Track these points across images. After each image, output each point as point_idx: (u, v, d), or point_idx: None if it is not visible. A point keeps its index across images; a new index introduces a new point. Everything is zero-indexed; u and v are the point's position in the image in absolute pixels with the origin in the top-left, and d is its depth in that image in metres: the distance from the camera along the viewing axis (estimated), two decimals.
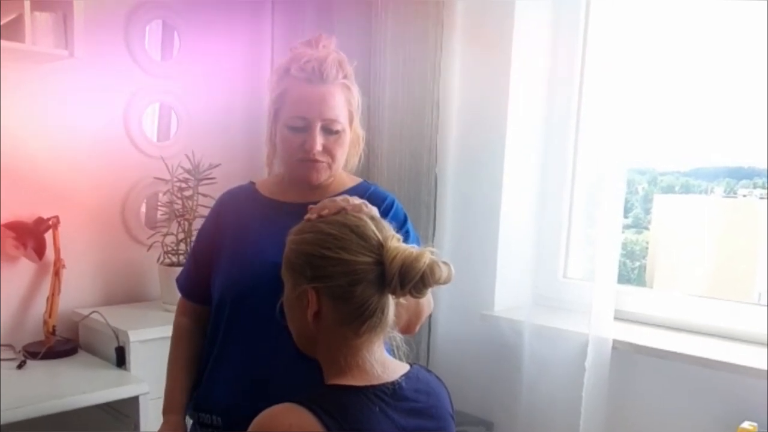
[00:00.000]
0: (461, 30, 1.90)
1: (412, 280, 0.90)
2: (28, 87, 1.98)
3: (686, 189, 1.89)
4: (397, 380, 0.96)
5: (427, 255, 0.92)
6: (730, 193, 1.81)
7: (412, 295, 0.93)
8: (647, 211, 1.96)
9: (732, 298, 1.69)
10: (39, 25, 1.80)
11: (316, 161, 1.19)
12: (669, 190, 1.92)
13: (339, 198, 1.02)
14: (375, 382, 0.94)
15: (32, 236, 1.94)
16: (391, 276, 0.91)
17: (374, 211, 1.02)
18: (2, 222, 1.94)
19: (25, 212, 1.98)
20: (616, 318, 1.67)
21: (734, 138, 1.67)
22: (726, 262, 1.86)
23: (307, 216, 1.00)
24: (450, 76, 1.91)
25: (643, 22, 1.63)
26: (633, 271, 2.00)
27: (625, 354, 1.61)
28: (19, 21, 1.76)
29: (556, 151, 1.86)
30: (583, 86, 1.84)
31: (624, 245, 1.92)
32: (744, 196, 1.79)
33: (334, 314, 0.93)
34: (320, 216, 0.98)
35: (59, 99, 2.04)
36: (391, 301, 0.95)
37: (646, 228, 1.99)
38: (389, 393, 0.94)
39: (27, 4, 1.75)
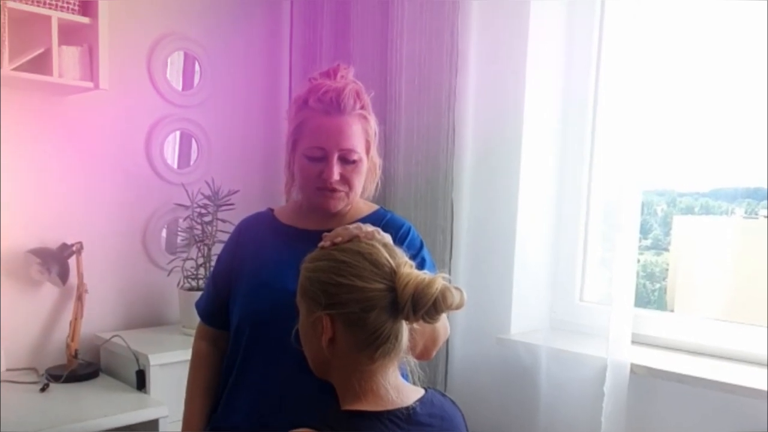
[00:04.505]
0: (476, 55, 1.92)
1: (425, 305, 0.91)
2: (55, 117, 2.04)
3: (706, 210, 1.87)
4: (411, 405, 0.96)
5: (439, 281, 0.92)
6: (751, 213, 1.79)
7: (425, 320, 0.94)
8: (667, 233, 1.95)
9: (753, 321, 1.67)
10: (66, 58, 1.87)
11: (334, 190, 1.21)
12: (688, 211, 1.91)
13: (352, 225, 1.03)
14: (389, 407, 0.95)
15: (56, 262, 1.98)
16: (403, 302, 0.92)
17: (387, 238, 1.04)
18: (28, 248, 1.98)
19: (50, 238, 2.03)
20: (635, 342, 1.65)
21: (755, 158, 1.65)
22: (747, 284, 1.84)
23: (321, 244, 1.02)
24: (465, 102, 1.93)
25: (659, 41, 1.63)
26: (653, 293, 1.98)
27: (643, 378, 1.59)
28: (46, 55, 1.83)
29: (571, 173, 1.86)
30: (597, 108, 1.84)
31: (643, 267, 1.91)
32: (765, 216, 1.77)
33: (348, 340, 0.95)
34: (334, 243, 1.00)
35: (84, 128, 2.10)
36: (404, 326, 0.96)
37: (666, 249, 1.97)
38: (403, 418, 0.94)
39: (55, 39, 1.82)
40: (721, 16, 1.68)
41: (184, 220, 2.26)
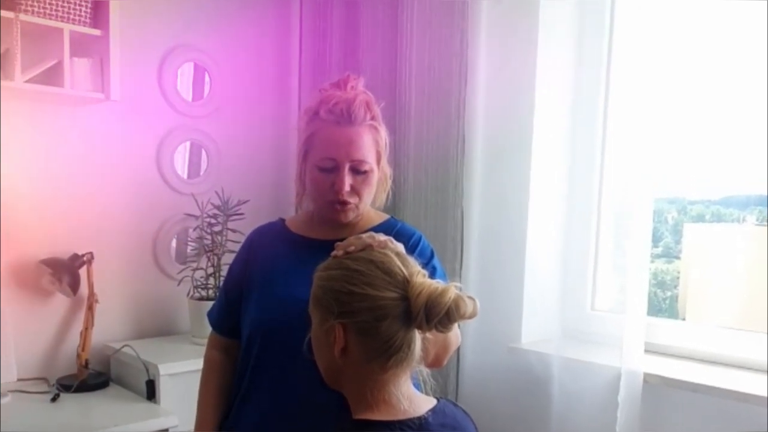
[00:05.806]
0: (485, 63, 1.93)
1: (438, 315, 0.91)
2: (67, 128, 2.06)
3: (717, 217, 1.86)
4: (423, 415, 0.96)
5: (452, 290, 0.92)
6: (763, 221, 1.78)
7: (437, 329, 0.94)
8: (678, 241, 1.94)
9: (766, 329, 1.65)
10: (77, 70, 1.89)
11: (345, 202, 1.21)
12: (699, 218, 1.90)
13: (365, 235, 1.03)
14: (401, 417, 0.94)
15: (67, 272, 1.99)
16: (416, 311, 0.92)
17: (400, 247, 1.04)
18: (39, 258, 1.99)
19: (61, 249, 2.04)
20: (648, 351, 1.64)
21: (766, 165, 1.65)
22: (760, 291, 1.82)
23: (334, 253, 1.02)
24: (475, 110, 1.93)
25: (669, 48, 1.63)
26: (664, 301, 1.97)
27: (656, 388, 1.58)
28: (58, 67, 1.85)
29: (581, 182, 1.86)
30: (608, 115, 1.84)
31: (654, 275, 1.90)
32: None
33: (360, 350, 0.94)
34: (346, 253, 1.00)
35: (95, 139, 2.12)
36: (417, 336, 0.96)
37: (677, 257, 1.96)
38: (415, 428, 0.94)
39: (66, 51, 1.84)
40: (731, 22, 1.68)
41: (194, 230, 2.27)
